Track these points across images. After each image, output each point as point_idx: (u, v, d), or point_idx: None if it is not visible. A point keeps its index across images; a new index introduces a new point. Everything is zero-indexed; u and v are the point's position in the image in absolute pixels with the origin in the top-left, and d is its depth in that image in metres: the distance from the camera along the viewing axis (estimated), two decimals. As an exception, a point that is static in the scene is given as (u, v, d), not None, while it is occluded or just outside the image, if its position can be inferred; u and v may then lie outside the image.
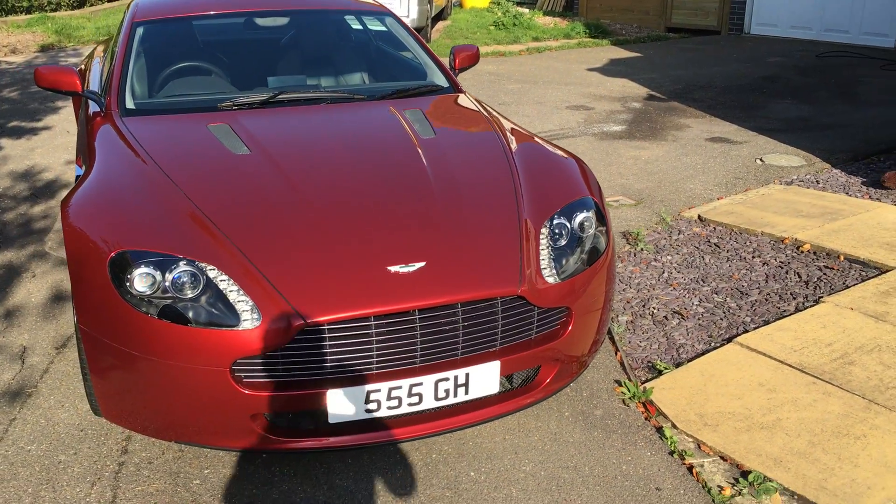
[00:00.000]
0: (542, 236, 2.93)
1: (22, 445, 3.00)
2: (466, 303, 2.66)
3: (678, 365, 3.53)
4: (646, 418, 3.18)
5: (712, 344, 3.72)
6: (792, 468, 2.84)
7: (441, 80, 4.23)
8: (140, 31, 4.09)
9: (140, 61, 3.98)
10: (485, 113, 3.88)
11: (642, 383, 3.39)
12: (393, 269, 2.66)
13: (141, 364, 2.59)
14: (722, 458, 2.95)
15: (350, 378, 2.57)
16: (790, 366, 3.44)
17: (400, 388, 2.61)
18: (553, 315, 2.85)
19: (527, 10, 16.05)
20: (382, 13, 4.62)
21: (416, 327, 2.60)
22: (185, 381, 2.55)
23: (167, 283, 2.59)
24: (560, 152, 3.51)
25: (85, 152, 3.61)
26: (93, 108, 4.00)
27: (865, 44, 12.73)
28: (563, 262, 2.90)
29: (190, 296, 2.57)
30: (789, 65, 11.16)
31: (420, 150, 3.32)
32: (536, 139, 3.64)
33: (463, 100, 4.05)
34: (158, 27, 4.18)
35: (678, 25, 15.20)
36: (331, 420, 2.60)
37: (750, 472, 2.84)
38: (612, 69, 11.01)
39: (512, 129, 3.71)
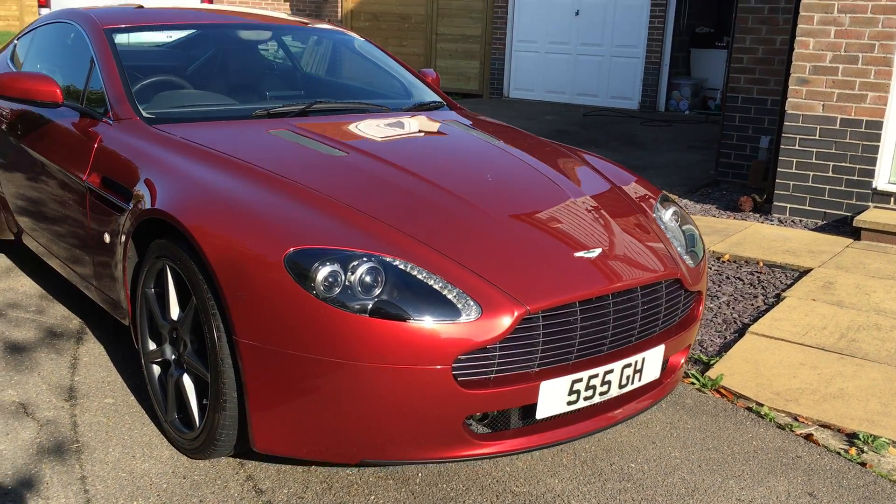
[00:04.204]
0: (661, 226, 3.02)
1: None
2: (644, 286, 2.66)
3: (719, 355, 3.74)
4: (730, 402, 3.33)
5: (728, 337, 3.99)
6: (886, 425, 3.13)
7: (435, 97, 4.18)
8: (116, 38, 3.60)
9: (128, 69, 3.49)
10: (504, 124, 3.90)
11: (703, 374, 3.55)
12: (578, 254, 2.60)
13: (340, 373, 2.26)
14: (822, 425, 3.17)
15: (558, 368, 2.45)
16: (812, 347, 3.79)
17: (596, 375, 2.53)
18: (689, 299, 2.93)
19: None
20: (351, 37, 4.47)
21: (610, 312, 2.55)
22: (397, 385, 2.27)
23: (353, 281, 2.31)
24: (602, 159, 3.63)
25: (109, 166, 3.09)
26: (70, 118, 3.44)
27: (614, 106, 14.31)
28: (687, 248, 3.00)
29: (379, 292, 2.31)
30: (567, 121, 12.22)
31: (507, 149, 3.26)
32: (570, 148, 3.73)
33: (472, 114, 4.03)
34: (135, 35, 3.70)
35: (443, 89, 16.07)
36: (539, 415, 2.45)
37: (856, 433, 3.09)
38: (417, 123, 11.35)
39: (542, 139, 3.76)
